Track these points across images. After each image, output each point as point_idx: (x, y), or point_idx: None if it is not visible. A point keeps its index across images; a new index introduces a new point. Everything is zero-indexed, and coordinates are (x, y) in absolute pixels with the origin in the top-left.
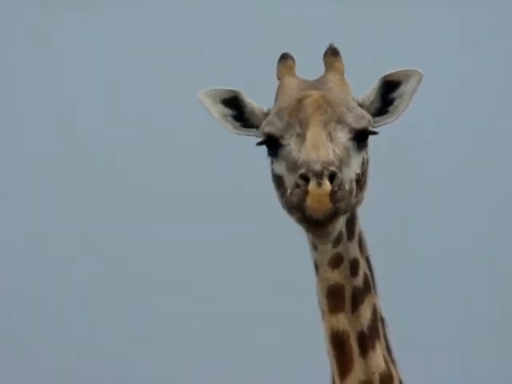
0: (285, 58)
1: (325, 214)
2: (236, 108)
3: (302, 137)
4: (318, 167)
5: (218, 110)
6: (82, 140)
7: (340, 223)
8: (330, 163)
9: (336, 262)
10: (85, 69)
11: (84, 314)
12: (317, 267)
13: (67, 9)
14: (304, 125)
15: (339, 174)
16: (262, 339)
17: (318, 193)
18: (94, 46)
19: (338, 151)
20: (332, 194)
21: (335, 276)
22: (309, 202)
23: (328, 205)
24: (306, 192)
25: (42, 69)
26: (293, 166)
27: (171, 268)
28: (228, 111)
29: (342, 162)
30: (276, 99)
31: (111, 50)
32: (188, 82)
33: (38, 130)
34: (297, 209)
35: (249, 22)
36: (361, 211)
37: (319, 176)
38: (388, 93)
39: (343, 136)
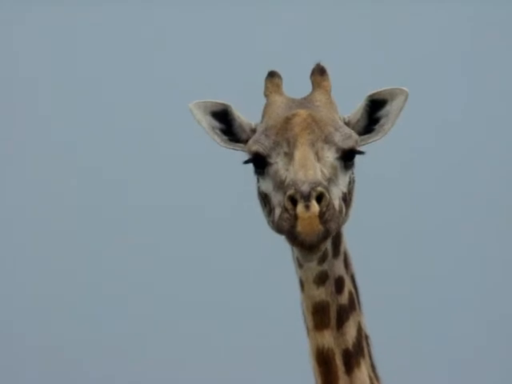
0: (272, 75)
1: (317, 236)
2: (225, 121)
3: (289, 156)
4: (305, 188)
5: (207, 122)
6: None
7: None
8: (318, 183)
9: (321, 279)
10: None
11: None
12: (302, 284)
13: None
14: (292, 144)
15: (327, 194)
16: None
17: (308, 216)
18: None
19: (325, 171)
20: (321, 215)
21: (320, 293)
22: (299, 227)
23: (318, 226)
24: (296, 217)
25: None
26: (280, 185)
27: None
28: (216, 124)
29: (330, 182)
30: (263, 117)
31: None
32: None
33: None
34: (289, 235)
35: (247, 24)
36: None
37: (307, 198)
38: (374, 111)
39: (330, 155)
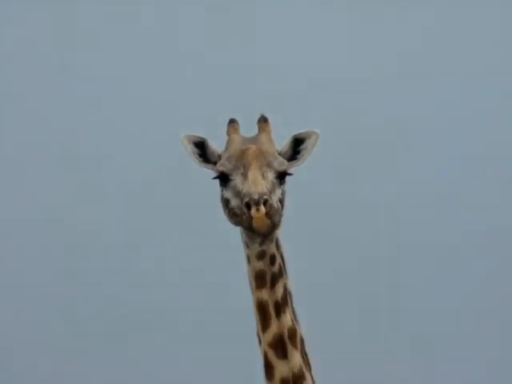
0: (232, 121)
1: (267, 227)
2: (202, 148)
3: (244, 175)
4: (256, 197)
5: (190, 149)
6: None
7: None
8: (264, 194)
9: (261, 255)
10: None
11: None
12: (248, 259)
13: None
14: (246, 167)
15: (270, 200)
16: None
17: (259, 215)
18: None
19: (268, 186)
20: (267, 213)
21: (260, 265)
22: (254, 223)
23: (267, 221)
24: (251, 217)
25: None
26: (237, 194)
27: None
28: (196, 150)
29: (271, 192)
30: (226, 149)
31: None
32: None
33: None
34: (248, 228)
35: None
36: None
37: (257, 203)
38: (296, 145)
39: (271, 176)
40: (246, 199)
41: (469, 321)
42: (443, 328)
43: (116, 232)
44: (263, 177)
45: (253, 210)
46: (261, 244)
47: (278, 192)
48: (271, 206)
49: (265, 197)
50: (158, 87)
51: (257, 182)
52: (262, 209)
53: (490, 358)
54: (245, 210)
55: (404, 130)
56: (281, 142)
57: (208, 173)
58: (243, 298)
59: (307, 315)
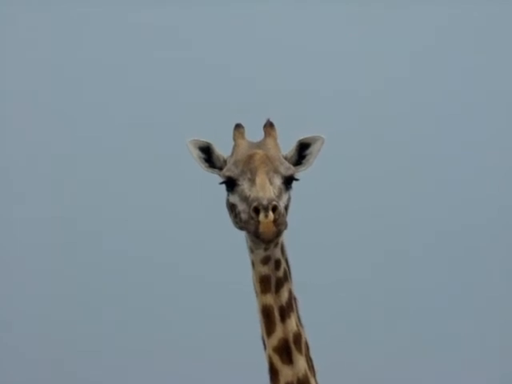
0: (238, 126)
1: (273, 234)
2: (207, 153)
3: (252, 180)
4: (265, 202)
5: (196, 153)
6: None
7: None
8: (273, 199)
9: (266, 260)
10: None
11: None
12: (253, 264)
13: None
14: (253, 172)
15: (280, 207)
16: None
17: (266, 221)
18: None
19: (275, 191)
20: (275, 220)
21: (265, 269)
22: (260, 229)
23: (273, 228)
24: (258, 222)
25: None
26: (244, 199)
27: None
28: (202, 155)
29: (279, 198)
30: (232, 153)
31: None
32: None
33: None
34: (254, 234)
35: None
36: None
37: (266, 209)
38: (302, 150)
39: (278, 181)
40: (255, 204)
41: (470, 321)
42: (444, 329)
43: (118, 232)
44: (270, 182)
45: (261, 216)
46: (265, 249)
47: (285, 198)
48: (280, 213)
49: (273, 202)
50: (159, 87)
51: (265, 188)
52: (271, 215)
53: (491, 359)
54: (253, 214)
55: (410, 132)
56: (286, 145)
57: (200, 178)
58: (244, 299)
59: (307, 317)
